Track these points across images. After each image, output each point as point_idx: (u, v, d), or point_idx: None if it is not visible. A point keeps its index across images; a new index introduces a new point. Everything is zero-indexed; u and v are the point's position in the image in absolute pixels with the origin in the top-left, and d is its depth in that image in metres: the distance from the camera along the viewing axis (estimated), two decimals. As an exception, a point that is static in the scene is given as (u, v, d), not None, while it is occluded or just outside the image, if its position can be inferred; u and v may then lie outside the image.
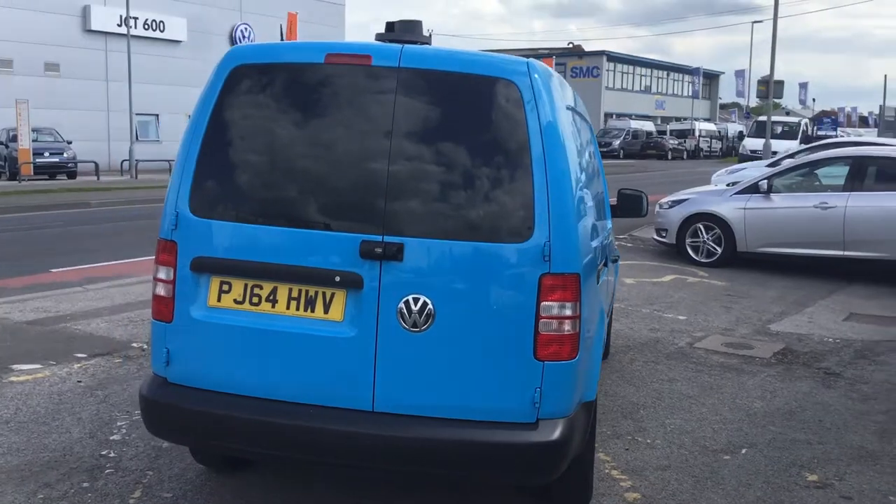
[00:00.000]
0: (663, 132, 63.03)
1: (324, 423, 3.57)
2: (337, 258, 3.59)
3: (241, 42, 42.85)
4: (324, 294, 3.63)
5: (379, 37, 4.08)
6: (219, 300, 3.72)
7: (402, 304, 3.54)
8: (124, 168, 31.72)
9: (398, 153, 3.59)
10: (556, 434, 3.54)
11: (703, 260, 12.27)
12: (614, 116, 66.66)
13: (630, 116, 65.15)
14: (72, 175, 29.66)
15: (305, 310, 3.64)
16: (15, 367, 6.48)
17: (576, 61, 69.32)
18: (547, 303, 3.51)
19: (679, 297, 10.15)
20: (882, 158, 11.68)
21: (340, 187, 3.66)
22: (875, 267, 11.15)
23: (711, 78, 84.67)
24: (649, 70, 77.32)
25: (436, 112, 3.64)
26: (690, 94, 74.70)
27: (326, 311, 3.62)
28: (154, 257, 3.86)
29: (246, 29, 43.06)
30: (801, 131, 39.85)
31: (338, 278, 3.58)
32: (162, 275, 3.81)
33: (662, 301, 9.90)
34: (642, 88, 76.23)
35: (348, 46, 3.81)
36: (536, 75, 3.65)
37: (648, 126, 63.38)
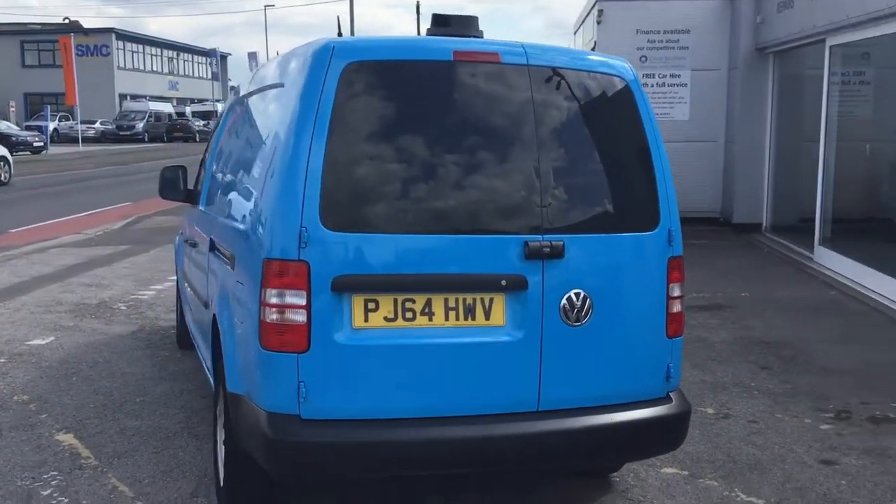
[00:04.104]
0: (182, 114, 60.36)
1: (499, 430, 3.52)
2: (499, 261, 3.53)
3: None
4: (482, 300, 3.55)
5: (430, 31, 3.99)
6: (366, 320, 3.45)
7: (565, 301, 3.60)
8: None
9: (545, 151, 3.65)
10: (685, 403, 3.90)
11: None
12: (129, 98, 62.44)
13: (146, 98, 61.48)
14: None
15: (465, 318, 3.53)
16: None
17: (82, 38, 58.05)
18: (672, 284, 3.84)
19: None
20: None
21: (492, 189, 3.59)
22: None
23: (220, 59, 77.15)
24: (160, 50, 72.10)
25: (569, 109, 3.80)
26: (209, 75, 72.67)
27: (487, 317, 3.55)
28: (265, 281, 3.40)
29: None
30: None
31: (504, 282, 3.53)
32: (283, 300, 3.38)
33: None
34: (156, 69, 71.28)
35: (471, 44, 3.74)
36: (635, 71, 3.94)
37: (167, 108, 60.25)
